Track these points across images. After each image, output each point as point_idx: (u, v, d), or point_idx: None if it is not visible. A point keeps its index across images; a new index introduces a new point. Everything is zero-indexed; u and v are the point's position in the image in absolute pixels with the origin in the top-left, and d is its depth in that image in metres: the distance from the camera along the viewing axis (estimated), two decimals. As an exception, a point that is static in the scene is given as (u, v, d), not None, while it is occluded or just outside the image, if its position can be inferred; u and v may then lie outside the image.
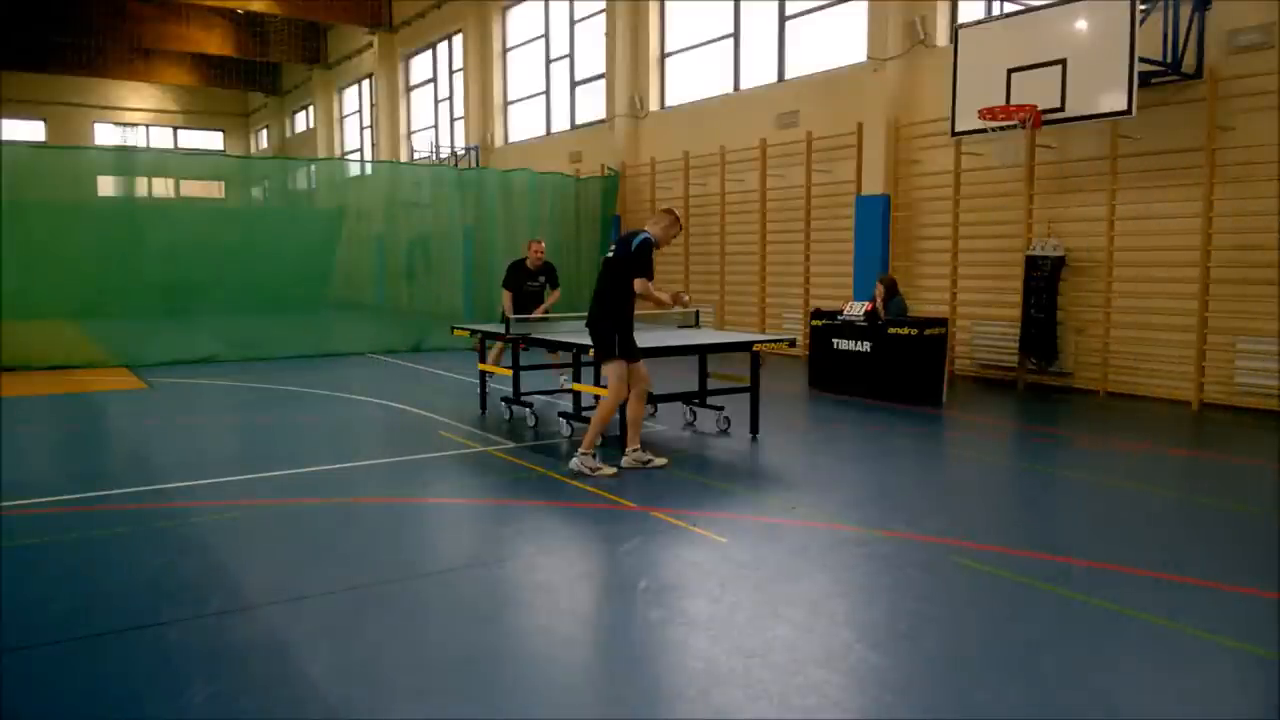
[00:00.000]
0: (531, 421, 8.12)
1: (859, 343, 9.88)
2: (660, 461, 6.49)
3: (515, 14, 21.08)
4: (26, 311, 11.71)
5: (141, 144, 35.15)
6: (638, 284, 6.24)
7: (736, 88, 15.01)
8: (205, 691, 3.16)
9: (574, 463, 6.27)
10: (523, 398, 8.37)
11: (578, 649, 3.61)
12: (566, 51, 19.18)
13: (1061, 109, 9.19)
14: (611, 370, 6.40)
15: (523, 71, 20.85)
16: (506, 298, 9.53)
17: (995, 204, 11.00)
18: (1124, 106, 8.68)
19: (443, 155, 22.61)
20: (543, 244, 9.78)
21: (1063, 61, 9.15)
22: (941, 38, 11.61)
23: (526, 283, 9.62)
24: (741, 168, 14.41)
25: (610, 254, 6.48)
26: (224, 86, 35.06)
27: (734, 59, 15.02)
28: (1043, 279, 10.19)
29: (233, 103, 39.57)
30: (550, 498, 5.79)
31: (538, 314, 9.26)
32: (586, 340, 7.43)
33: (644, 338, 7.97)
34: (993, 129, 9.80)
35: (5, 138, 31.82)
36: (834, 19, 13.31)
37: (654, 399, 7.60)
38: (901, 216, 12.11)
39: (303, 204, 16.06)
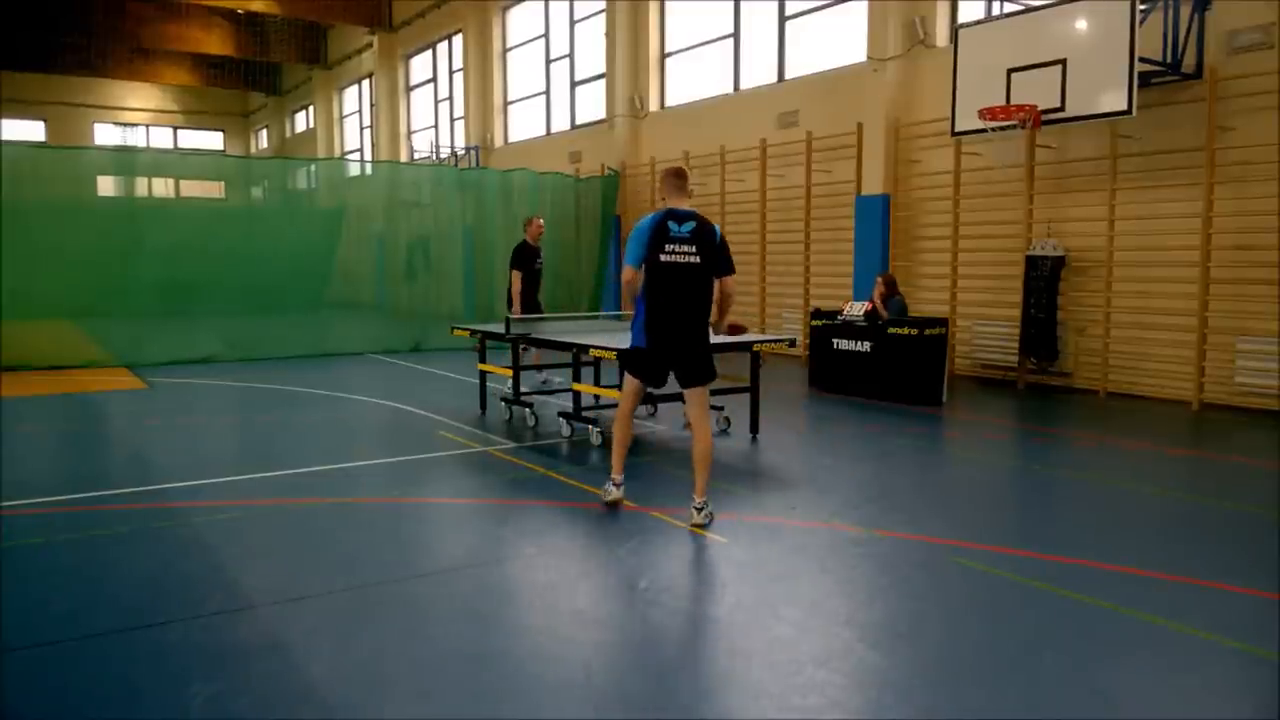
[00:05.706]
0: (531, 421, 8.13)
1: (859, 343, 9.88)
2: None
3: (515, 14, 21.08)
4: (26, 311, 11.70)
5: (141, 144, 35.14)
6: (729, 282, 5.25)
7: (736, 88, 15.01)
8: (205, 691, 3.16)
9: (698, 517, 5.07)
10: (523, 398, 8.38)
11: (577, 649, 3.60)
12: (566, 51, 19.18)
13: (1061, 109, 9.20)
14: (706, 395, 5.25)
15: (523, 71, 20.85)
16: (516, 278, 9.87)
17: (995, 204, 10.99)
18: (1124, 106, 8.68)
19: (443, 155, 22.61)
20: (542, 221, 10.28)
21: (1063, 61, 9.15)
22: (941, 38, 11.60)
23: (535, 261, 9.98)
24: (741, 168, 14.41)
25: (695, 257, 5.08)
26: (224, 86, 35.05)
27: (734, 59, 15.02)
28: (1043, 279, 10.19)
29: (233, 103, 39.58)
30: (550, 498, 5.79)
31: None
32: (586, 341, 7.44)
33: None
34: (993, 129, 9.81)
35: (5, 138, 31.80)
36: (834, 19, 13.31)
37: (653, 399, 7.62)
38: (901, 216, 12.11)
39: (303, 204, 16.03)
